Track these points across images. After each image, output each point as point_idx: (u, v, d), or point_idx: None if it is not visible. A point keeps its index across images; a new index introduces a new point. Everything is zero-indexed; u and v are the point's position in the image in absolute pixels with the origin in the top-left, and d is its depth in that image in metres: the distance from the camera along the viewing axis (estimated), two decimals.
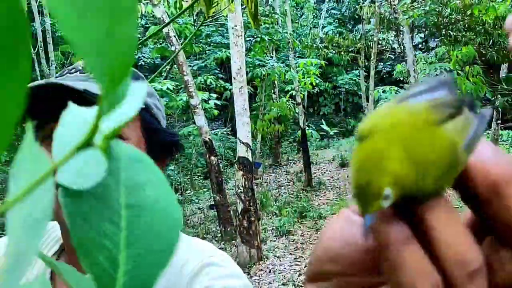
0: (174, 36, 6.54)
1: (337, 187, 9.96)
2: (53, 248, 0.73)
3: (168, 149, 0.72)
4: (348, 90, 18.11)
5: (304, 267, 5.22)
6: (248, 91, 5.96)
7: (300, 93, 9.95)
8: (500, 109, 10.66)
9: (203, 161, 9.92)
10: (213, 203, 7.38)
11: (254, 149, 11.89)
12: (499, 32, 7.17)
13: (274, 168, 12.54)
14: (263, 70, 9.27)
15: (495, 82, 8.53)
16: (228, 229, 6.71)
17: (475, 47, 7.58)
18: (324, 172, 11.81)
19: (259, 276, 5.20)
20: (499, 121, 12.64)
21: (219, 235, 7.00)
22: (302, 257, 5.58)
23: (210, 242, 5.95)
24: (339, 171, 11.64)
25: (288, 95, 10.98)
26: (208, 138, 6.56)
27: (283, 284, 4.79)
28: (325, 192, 9.65)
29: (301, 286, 4.66)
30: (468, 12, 7.26)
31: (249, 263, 5.45)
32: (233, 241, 6.11)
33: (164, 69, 14.35)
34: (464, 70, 8.09)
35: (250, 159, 5.40)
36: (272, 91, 11.85)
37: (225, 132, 12.25)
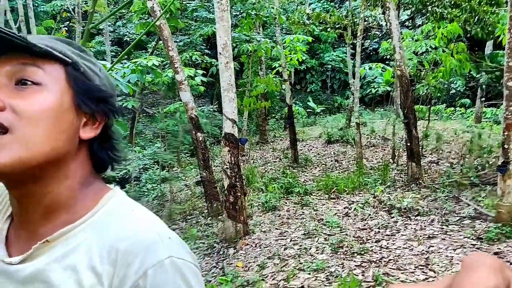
0: (159, 10, 6.44)
1: (323, 164, 10.04)
2: (8, 212, 0.78)
3: (103, 106, 0.75)
4: (334, 67, 18.09)
5: (290, 241, 5.31)
6: (234, 68, 5.92)
7: (287, 69, 9.91)
8: (484, 87, 10.77)
9: (190, 139, 9.91)
10: (199, 179, 7.40)
11: (241, 126, 11.89)
12: (484, 9, 7.19)
13: (261, 145, 12.58)
14: (249, 46, 9.20)
15: (479, 59, 8.60)
16: (215, 205, 6.76)
17: (460, 24, 7.60)
18: (311, 149, 11.89)
19: (245, 251, 5.27)
20: (483, 99, 12.78)
21: (206, 211, 7.05)
22: (287, 231, 5.66)
23: (197, 218, 5.96)
24: (325, 148, 11.72)
25: (274, 71, 10.94)
26: (194, 115, 6.54)
27: (269, 258, 4.87)
28: (311, 169, 9.73)
29: (286, 259, 4.74)
30: None
31: (235, 237, 5.52)
32: (220, 217, 6.17)
33: (150, 45, 14.17)
34: (449, 47, 8.13)
35: (236, 135, 5.40)
36: (259, 67, 11.80)
37: (211, 110, 12.21)
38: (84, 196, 0.74)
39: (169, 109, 9.26)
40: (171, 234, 0.72)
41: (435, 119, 13.55)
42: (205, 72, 9.71)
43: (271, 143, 12.75)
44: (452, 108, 15.01)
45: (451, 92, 15.56)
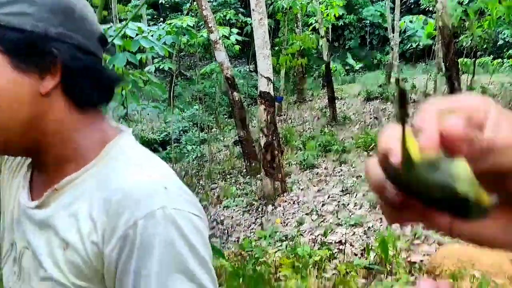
0: None
1: (362, 121, 9.89)
2: (29, 159, 0.80)
3: (44, 51, 0.66)
4: (373, 22, 17.47)
5: (328, 198, 5.33)
6: (270, 26, 5.83)
7: (323, 26, 9.65)
8: None
9: (227, 100, 9.94)
10: (237, 139, 7.48)
11: (278, 85, 11.80)
12: None
13: (298, 104, 12.47)
14: (284, 2, 8.99)
15: None
16: (253, 164, 6.84)
17: None
18: (350, 107, 11.69)
19: (283, 207, 5.34)
20: None
21: (244, 170, 7.14)
22: (325, 188, 5.68)
23: (236, 177, 6.07)
24: (364, 105, 11.50)
25: (310, 28, 10.69)
26: (230, 75, 6.54)
27: (307, 214, 4.92)
28: (349, 126, 9.61)
29: (324, 215, 4.78)
30: None
31: (273, 195, 5.59)
32: (258, 175, 6.24)
33: (184, 7, 14.10)
34: None
35: (272, 93, 5.38)
36: (295, 25, 11.54)
37: (248, 70, 12.14)
38: (89, 143, 0.72)
39: (205, 70, 9.28)
40: (170, 184, 0.68)
41: (480, 73, 12.97)
42: (239, 31, 9.60)
43: (309, 102, 12.62)
44: (500, 60, 14.28)
45: (498, 43, 14.77)
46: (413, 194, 0.29)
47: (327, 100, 10.64)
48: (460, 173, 0.27)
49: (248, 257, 3.52)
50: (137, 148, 0.76)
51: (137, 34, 6.64)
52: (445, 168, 0.27)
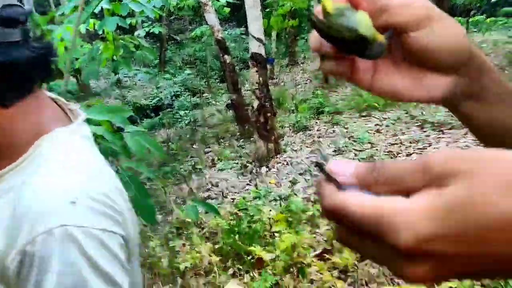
0: None
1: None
2: None
3: None
4: None
5: (320, 158, 5.39)
6: None
7: None
8: None
9: (219, 64, 9.86)
10: (230, 102, 7.47)
11: (270, 47, 11.68)
12: None
13: (290, 67, 12.40)
14: None
15: None
16: (246, 127, 6.86)
17: None
18: None
19: (277, 168, 5.41)
20: None
21: (238, 133, 7.17)
22: (319, 149, 5.73)
23: (229, 140, 6.11)
24: None
25: None
26: (221, 37, 6.47)
27: (300, 174, 4.99)
28: (342, 88, 9.60)
29: (317, 175, 4.85)
30: None
31: (267, 156, 5.64)
32: (251, 138, 6.28)
33: None
34: None
35: (264, 54, 5.35)
36: None
37: (239, 33, 11.99)
38: (19, 139, 0.70)
39: (196, 33, 9.16)
40: (83, 196, 0.65)
41: (473, 31, 12.89)
42: None
43: (301, 65, 12.55)
44: (493, 18, 14.16)
45: (491, 0, 14.61)
46: (332, 40, 0.39)
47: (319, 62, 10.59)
48: (362, 19, 0.36)
49: (243, 216, 3.59)
50: (71, 144, 0.72)
51: None
52: (350, 16, 0.36)
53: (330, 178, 0.33)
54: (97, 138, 1.73)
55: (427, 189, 0.29)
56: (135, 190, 1.56)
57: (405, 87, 0.44)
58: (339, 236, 0.33)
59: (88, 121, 1.71)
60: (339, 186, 0.32)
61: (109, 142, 1.66)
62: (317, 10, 0.39)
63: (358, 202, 0.30)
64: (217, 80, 11.78)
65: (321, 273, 2.76)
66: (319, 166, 0.35)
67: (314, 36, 0.42)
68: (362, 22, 0.36)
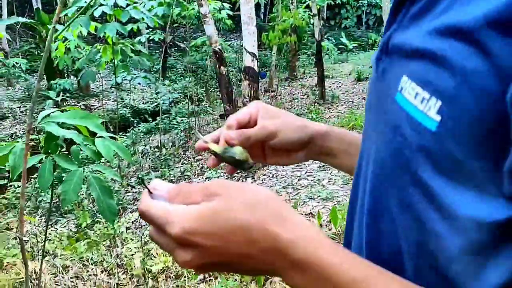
0: None
1: (350, 101, 10.03)
2: None
3: None
4: (370, 2, 17.43)
5: (305, 173, 5.52)
6: (264, 2, 5.89)
7: (317, 4, 9.68)
8: None
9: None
10: (223, 112, 7.60)
11: (270, 61, 11.85)
12: None
13: (290, 81, 12.57)
14: None
15: None
16: None
17: None
18: (339, 86, 11.81)
19: (262, 180, 5.53)
20: None
21: None
22: (304, 164, 5.86)
23: None
24: (354, 85, 11.63)
25: (304, 6, 10.71)
26: (218, 48, 6.62)
27: (283, 187, 5.12)
28: (337, 106, 9.75)
29: (299, 189, 4.98)
30: None
31: (254, 168, 5.77)
32: None
33: None
34: None
35: (256, 69, 5.50)
36: (290, 1, 11.55)
37: (241, 44, 12.17)
38: None
39: (196, 42, 9.33)
40: None
41: None
42: (231, 6, 9.63)
43: (300, 80, 12.72)
44: None
45: None
46: (224, 161, 0.67)
47: (317, 79, 10.76)
48: (237, 151, 0.65)
49: None
50: None
51: (128, 5, 6.68)
52: (230, 151, 0.65)
53: (149, 190, 0.48)
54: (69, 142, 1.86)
55: (203, 202, 0.44)
56: (99, 190, 1.69)
57: (282, 159, 0.75)
58: (150, 233, 0.47)
59: (63, 125, 1.85)
60: (152, 196, 0.47)
61: (79, 146, 1.79)
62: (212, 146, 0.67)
63: (155, 204, 0.45)
64: (216, 89, 11.94)
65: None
66: (143, 182, 0.54)
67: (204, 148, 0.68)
68: (238, 152, 0.65)
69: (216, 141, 0.67)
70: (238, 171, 0.89)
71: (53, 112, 1.76)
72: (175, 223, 0.42)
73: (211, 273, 3.17)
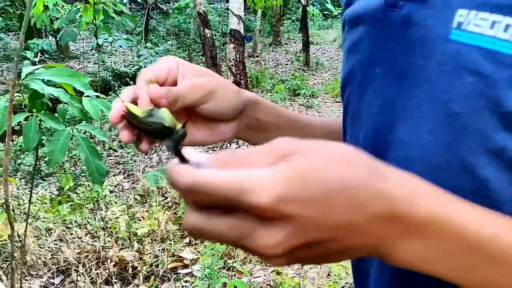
0: None
1: (334, 68, 9.99)
2: None
3: None
4: None
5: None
6: None
7: None
8: None
9: None
10: None
11: (254, 26, 11.65)
12: None
13: (274, 46, 12.43)
14: None
15: None
16: None
17: None
18: (324, 53, 11.74)
19: (247, 146, 5.52)
20: None
21: None
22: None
23: None
24: (338, 52, 11.56)
25: None
26: (202, 10, 6.46)
27: None
28: (321, 72, 9.71)
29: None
30: None
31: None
32: None
33: None
34: None
35: (242, 32, 5.39)
36: None
37: (225, 7, 11.91)
38: None
39: (180, 4, 9.09)
40: None
41: None
42: None
43: (285, 45, 12.58)
44: None
45: None
46: (143, 131, 0.49)
47: (302, 44, 10.66)
48: (165, 115, 0.47)
49: None
50: None
51: None
52: (156, 114, 0.47)
53: (185, 160, 0.36)
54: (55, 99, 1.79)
55: (278, 164, 0.32)
56: (87, 151, 1.65)
57: (202, 136, 0.59)
58: (186, 221, 0.33)
59: (48, 82, 1.78)
60: (196, 165, 0.33)
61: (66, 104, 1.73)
62: (126, 107, 0.49)
63: (216, 172, 0.31)
64: (199, 53, 11.74)
65: None
66: (175, 149, 0.43)
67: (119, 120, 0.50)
68: (165, 117, 0.47)
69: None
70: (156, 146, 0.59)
71: (37, 69, 1.69)
72: (259, 190, 0.30)
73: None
